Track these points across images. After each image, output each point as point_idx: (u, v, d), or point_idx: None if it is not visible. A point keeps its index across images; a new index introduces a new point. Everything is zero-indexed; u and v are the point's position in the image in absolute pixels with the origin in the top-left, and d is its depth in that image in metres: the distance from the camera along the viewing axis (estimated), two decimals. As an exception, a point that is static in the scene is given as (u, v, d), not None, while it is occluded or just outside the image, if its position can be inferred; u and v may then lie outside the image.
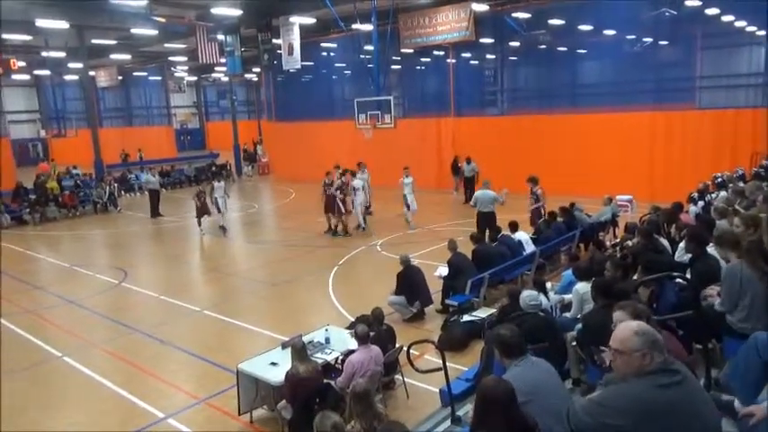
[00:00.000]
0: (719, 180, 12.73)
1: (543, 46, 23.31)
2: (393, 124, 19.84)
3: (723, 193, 10.28)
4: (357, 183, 15.58)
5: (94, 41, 25.13)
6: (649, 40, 20.27)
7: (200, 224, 16.76)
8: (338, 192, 15.02)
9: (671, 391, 2.61)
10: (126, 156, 34.73)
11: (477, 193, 13.33)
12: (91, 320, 9.97)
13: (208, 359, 8.02)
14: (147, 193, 21.03)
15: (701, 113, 17.73)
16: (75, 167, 25.66)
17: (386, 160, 21.43)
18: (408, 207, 15.25)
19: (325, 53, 27.97)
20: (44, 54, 27.07)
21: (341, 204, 15.07)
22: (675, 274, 5.41)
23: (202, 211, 16.60)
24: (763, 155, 15.08)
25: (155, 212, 19.93)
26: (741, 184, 10.37)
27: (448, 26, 20.29)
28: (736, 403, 3.50)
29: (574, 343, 5.38)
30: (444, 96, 23.68)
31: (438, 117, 23.14)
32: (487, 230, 11.88)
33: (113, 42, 26.40)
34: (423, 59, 26.54)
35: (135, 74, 41.58)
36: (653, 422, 2.56)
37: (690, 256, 6.15)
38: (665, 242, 7.53)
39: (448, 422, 4.92)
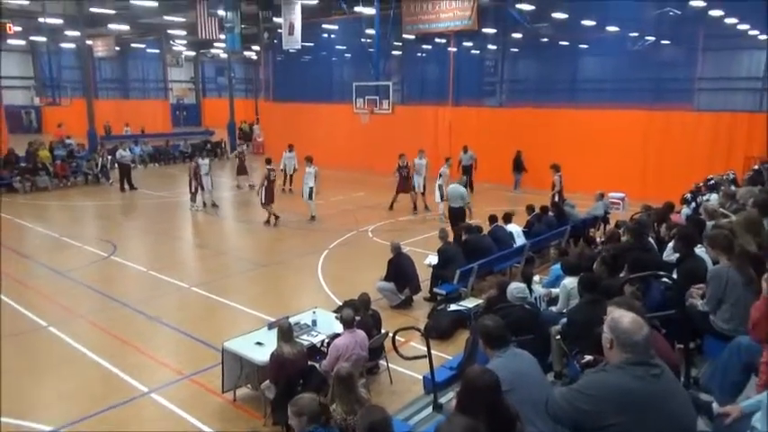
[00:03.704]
0: (712, 182, 12.79)
1: (545, 39, 23.22)
2: (391, 110, 19.76)
3: (714, 196, 10.33)
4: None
5: (93, 10, 24.76)
6: (651, 38, 20.21)
7: (194, 200, 16.79)
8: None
9: (647, 384, 2.64)
10: (108, 129, 34.16)
11: (450, 186, 13.56)
12: (78, 292, 9.93)
13: (193, 336, 8.02)
14: (117, 167, 20.56)
15: (698, 115, 17.72)
16: (68, 137, 25.35)
17: (381, 146, 21.38)
18: (443, 197, 14.78)
19: (325, 35, 27.73)
20: (41, 20, 26.63)
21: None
22: (661, 273, 5.44)
23: (196, 187, 16.65)
24: (756, 159, 15.15)
25: (123, 186, 19.91)
26: (732, 188, 10.41)
27: (451, 14, 20.16)
28: (715, 404, 3.55)
29: (558, 336, 5.42)
30: (443, 85, 23.56)
31: (436, 105, 23.03)
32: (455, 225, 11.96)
33: (112, 12, 26.01)
34: (424, 46, 26.39)
35: (133, 45, 41.02)
36: (627, 411, 2.60)
37: (677, 255, 6.17)
38: (652, 241, 7.57)
39: (429, 409, 4.98)
